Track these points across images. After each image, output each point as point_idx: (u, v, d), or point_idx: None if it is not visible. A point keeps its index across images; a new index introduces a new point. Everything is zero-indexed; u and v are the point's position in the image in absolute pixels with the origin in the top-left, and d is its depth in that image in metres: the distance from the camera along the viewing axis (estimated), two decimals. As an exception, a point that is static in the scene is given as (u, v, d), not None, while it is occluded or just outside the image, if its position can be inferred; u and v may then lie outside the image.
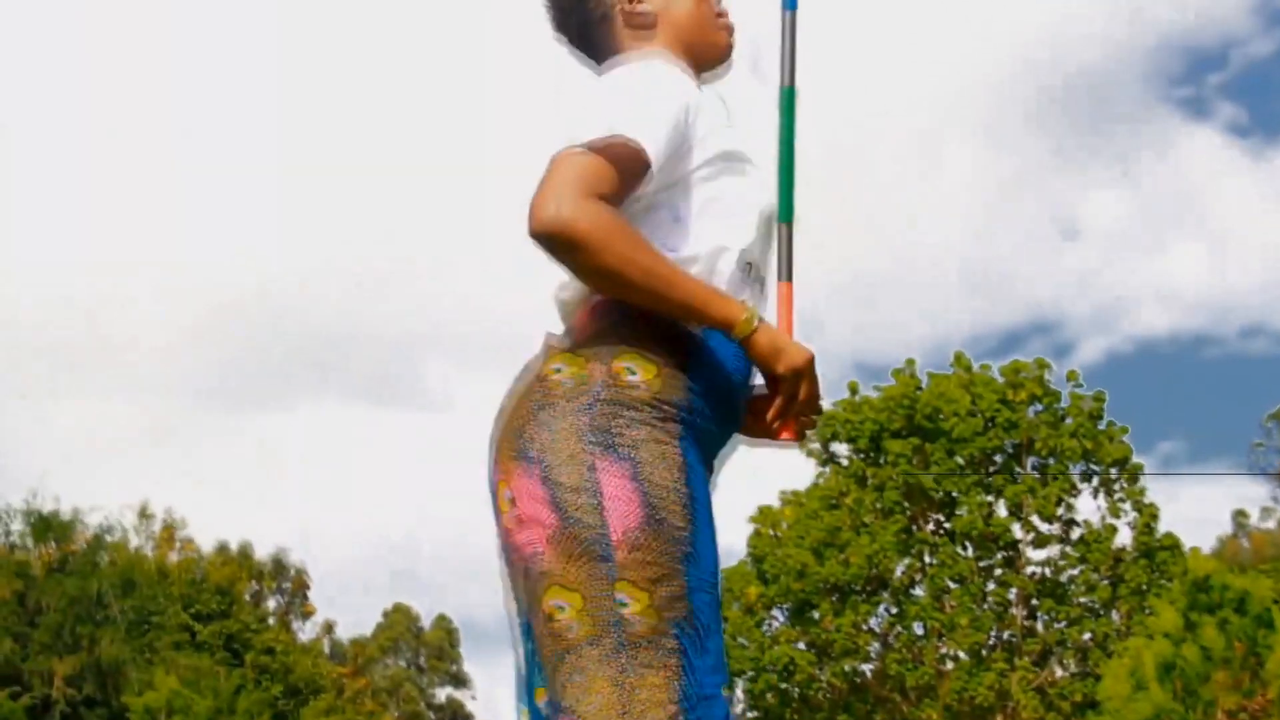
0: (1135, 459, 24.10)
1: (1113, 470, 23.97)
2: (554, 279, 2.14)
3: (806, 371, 2.10)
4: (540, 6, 2.37)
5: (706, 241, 2.12)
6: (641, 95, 2.10)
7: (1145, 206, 53.58)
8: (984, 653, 23.26)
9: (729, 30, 2.35)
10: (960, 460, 23.86)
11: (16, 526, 32.03)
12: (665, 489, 1.97)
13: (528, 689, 2.09)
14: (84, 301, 52.78)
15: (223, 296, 54.24)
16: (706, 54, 2.33)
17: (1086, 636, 23.53)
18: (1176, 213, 52.09)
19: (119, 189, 54.75)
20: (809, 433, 2.23)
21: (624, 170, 2.01)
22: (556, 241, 1.96)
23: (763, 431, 2.22)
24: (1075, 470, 24.04)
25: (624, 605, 1.93)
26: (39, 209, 52.74)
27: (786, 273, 2.27)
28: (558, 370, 2.05)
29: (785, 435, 2.17)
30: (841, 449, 24.59)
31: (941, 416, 23.90)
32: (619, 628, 1.92)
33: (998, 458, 24.22)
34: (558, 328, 2.21)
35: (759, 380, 2.19)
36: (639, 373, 2.03)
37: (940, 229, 49.54)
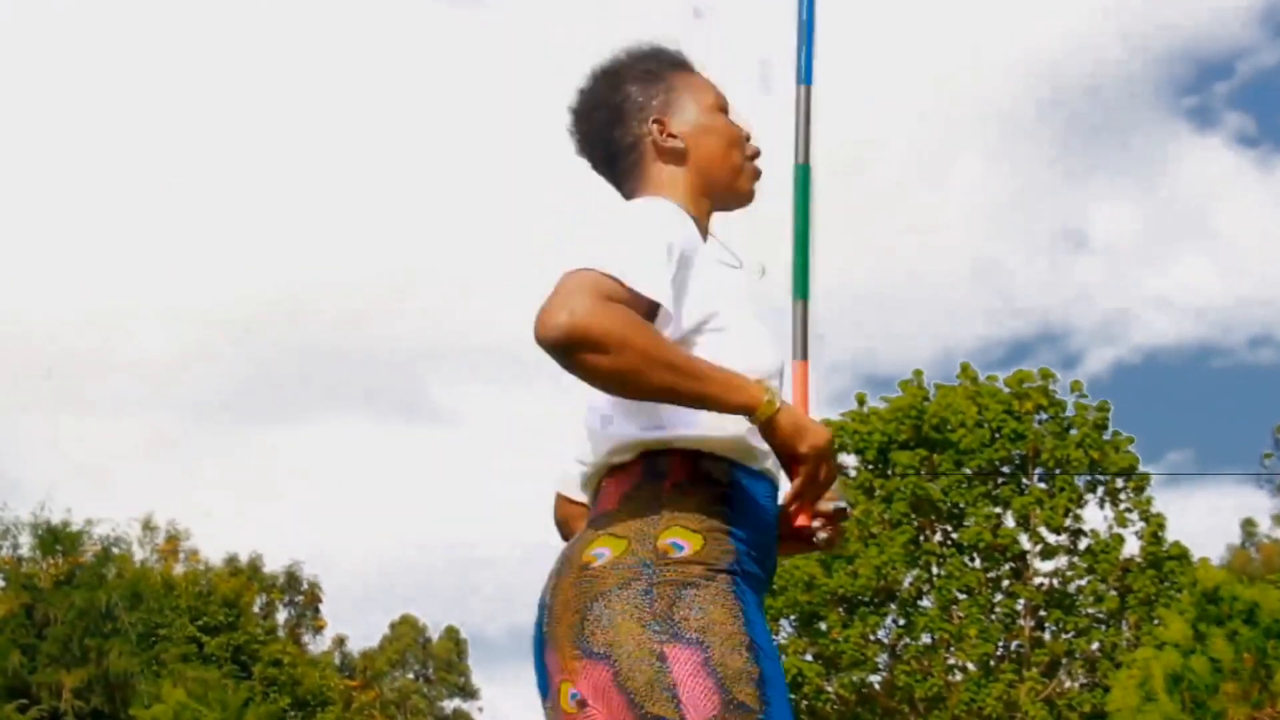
0: (1143, 469, 24.09)
1: (1119, 479, 23.94)
2: (567, 451, 2.14)
3: (827, 452, 2.06)
4: (565, 129, 2.34)
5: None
6: (644, 243, 2.03)
7: (1152, 216, 53.50)
8: (992, 664, 23.22)
9: (755, 177, 2.34)
10: (967, 471, 23.85)
11: (24, 539, 32.03)
12: (737, 671, 1.94)
13: None
14: (90, 315, 52.90)
15: (229, 310, 54.36)
16: (728, 197, 2.31)
17: (1095, 647, 23.48)
18: (1183, 222, 52.00)
19: (124, 203, 54.89)
20: (829, 535, 2.18)
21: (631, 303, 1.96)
22: (573, 343, 1.89)
23: (780, 530, 2.17)
24: (1081, 480, 24.02)
25: None
26: (43, 224, 52.88)
27: (801, 351, 2.23)
28: (599, 557, 2.01)
29: (802, 520, 2.11)
30: (849, 460, 24.59)
31: (949, 428, 23.89)
32: None
33: (1005, 469, 24.22)
34: (571, 489, 2.24)
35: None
36: (686, 546, 1.99)
37: (947, 240, 49.53)
